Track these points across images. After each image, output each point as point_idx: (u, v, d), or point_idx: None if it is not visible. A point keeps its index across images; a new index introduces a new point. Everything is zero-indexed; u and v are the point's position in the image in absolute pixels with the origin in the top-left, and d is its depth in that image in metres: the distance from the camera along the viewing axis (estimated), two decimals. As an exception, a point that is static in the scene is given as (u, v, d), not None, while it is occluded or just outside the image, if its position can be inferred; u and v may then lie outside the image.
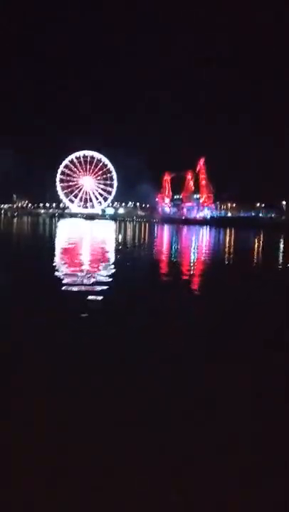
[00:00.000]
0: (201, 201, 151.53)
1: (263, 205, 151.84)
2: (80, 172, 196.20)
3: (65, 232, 61.39)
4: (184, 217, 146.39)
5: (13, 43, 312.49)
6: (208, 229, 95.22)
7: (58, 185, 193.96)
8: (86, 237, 48.05)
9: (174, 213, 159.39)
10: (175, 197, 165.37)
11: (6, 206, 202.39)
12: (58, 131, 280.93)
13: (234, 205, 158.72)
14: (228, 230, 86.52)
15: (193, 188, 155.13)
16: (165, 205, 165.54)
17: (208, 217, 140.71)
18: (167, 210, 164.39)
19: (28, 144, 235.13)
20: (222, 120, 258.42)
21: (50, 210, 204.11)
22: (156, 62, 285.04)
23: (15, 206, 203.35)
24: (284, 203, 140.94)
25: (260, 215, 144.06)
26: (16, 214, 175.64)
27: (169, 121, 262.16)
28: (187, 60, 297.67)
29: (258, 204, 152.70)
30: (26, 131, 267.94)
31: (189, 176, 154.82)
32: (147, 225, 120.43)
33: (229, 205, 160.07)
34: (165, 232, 72.55)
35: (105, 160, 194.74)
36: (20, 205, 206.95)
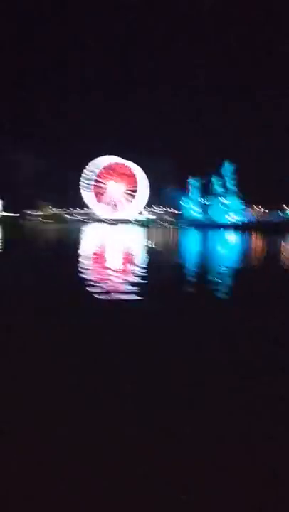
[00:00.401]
0: (229, 205, 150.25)
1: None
2: (108, 177, 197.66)
3: (94, 238, 61.75)
4: (210, 222, 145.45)
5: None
6: (235, 234, 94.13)
7: (86, 191, 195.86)
8: (113, 243, 48.17)
9: (201, 218, 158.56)
10: (202, 201, 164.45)
11: (35, 212, 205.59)
12: (86, 137, 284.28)
13: (262, 208, 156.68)
14: (254, 235, 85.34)
15: (220, 191, 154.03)
16: (192, 209, 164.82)
17: (236, 221, 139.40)
18: (194, 214, 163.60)
19: (56, 150, 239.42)
20: (247, 123, 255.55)
21: (78, 216, 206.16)
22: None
23: (43, 212, 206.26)
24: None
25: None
26: (44, 220, 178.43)
27: (197, 125, 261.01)
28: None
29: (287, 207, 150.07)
30: (52, 137, 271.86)
31: (216, 180, 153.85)
32: (174, 229, 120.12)
33: (257, 208, 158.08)
34: (191, 237, 72.09)
35: (133, 165, 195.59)
36: (48, 211, 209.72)
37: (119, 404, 5.86)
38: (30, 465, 4.26)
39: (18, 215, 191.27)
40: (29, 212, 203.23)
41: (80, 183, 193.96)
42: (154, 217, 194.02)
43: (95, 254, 32.74)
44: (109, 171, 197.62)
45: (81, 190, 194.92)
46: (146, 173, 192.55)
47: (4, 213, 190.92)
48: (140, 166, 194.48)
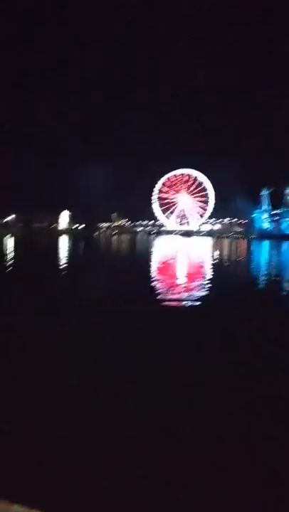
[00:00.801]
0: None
1: None
2: (176, 189, 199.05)
3: (162, 250, 62.21)
4: (282, 234, 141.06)
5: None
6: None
7: (155, 203, 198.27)
8: (183, 255, 48.27)
9: (273, 229, 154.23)
10: (273, 212, 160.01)
11: (105, 225, 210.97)
12: (157, 150, 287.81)
13: None
14: None
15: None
16: (263, 220, 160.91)
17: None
18: (265, 225, 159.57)
19: (126, 164, 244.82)
20: None
21: (148, 228, 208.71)
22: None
23: (113, 225, 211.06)
24: None
25: None
26: (114, 232, 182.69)
27: (268, 135, 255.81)
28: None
29: None
30: (125, 152, 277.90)
31: (288, 191, 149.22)
32: (244, 241, 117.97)
33: None
34: (263, 249, 70.42)
35: (202, 177, 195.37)
36: (118, 223, 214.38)
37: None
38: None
39: (86, 226, 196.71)
40: (100, 225, 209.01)
41: (152, 197, 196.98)
42: (224, 228, 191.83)
43: (168, 267, 33.08)
44: (179, 183, 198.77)
45: (152, 204, 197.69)
46: (217, 185, 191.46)
47: (74, 226, 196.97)
48: (211, 178, 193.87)
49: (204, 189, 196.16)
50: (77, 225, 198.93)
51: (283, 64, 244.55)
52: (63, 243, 76.77)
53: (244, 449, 4.95)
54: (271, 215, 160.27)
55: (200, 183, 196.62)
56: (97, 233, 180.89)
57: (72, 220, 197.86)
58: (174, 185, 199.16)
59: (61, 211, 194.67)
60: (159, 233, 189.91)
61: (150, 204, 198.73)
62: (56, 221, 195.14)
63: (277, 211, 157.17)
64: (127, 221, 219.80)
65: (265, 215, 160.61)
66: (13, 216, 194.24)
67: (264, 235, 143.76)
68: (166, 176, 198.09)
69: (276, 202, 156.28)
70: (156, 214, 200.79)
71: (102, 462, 4.69)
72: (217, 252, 54.63)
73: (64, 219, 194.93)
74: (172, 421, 5.80)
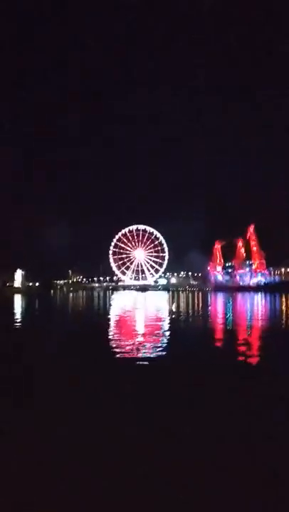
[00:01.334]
0: (253, 267, 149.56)
1: None
2: (132, 245, 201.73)
3: (119, 305, 61.96)
4: (236, 285, 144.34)
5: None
6: (263, 295, 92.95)
7: (111, 259, 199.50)
8: (139, 309, 48.25)
9: (227, 281, 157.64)
10: (227, 264, 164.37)
11: (62, 282, 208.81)
12: (112, 206, 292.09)
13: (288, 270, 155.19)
14: (283, 296, 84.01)
15: (244, 254, 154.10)
16: (217, 273, 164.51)
17: (262, 283, 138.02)
18: (220, 278, 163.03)
19: (81, 221, 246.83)
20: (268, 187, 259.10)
21: (104, 284, 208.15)
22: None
23: (70, 281, 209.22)
24: None
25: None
26: (71, 289, 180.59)
27: (217, 191, 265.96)
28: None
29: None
30: (77, 210, 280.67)
31: (240, 243, 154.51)
32: (200, 293, 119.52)
33: (283, 270, 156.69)
34: (219, 301, 71.54)
35: (156, 232, 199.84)
36: (75, 279, 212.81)
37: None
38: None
39: (43, 283, 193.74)
40: (57, 281, 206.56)
41: (110, 251, 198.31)
42: (179, 282, 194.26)
43: (120, 321, 32.85)
44: (134, 238, 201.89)
45: (110, 259, 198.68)
46: (172, 240, 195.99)
47: (30, 283, 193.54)
48: (166, 233, 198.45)
49: (159, 244, 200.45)
50: (33, 282, 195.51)
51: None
52: (17, 301, 75.16)
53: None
54: (225, 268, 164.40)
55: (155, 238, 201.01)
56: (53, 290, 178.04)
57: (28, 277, 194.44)
58: (130, 240, 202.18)
59: (16, 269, 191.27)
60: (115, 288, 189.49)
61: (107, 260, 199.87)
62: (11, 280, 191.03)
63: (231, 263, 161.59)
64: (84, 277, 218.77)
65: (219, 268, 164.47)
66: None
67: (218, 287, 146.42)
68: (121, 232, 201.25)
69: (229, 254, 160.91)
70: (112, 269, 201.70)
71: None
72: (172, 306, 54.93)
73: (18, 277, 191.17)
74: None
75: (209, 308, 51.06)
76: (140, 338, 20.10)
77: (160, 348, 16.61)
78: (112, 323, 30.73)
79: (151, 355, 14.91)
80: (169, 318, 34.76)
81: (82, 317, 41.10)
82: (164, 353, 15.65)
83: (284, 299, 69.78)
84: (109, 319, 34.30)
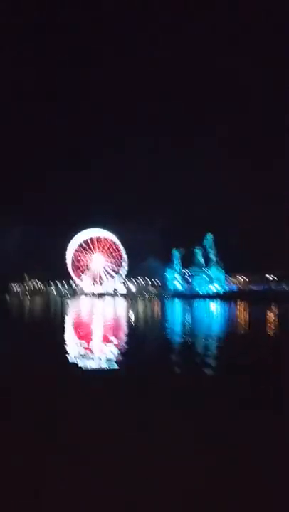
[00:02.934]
0: (210, 275, 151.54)
1: (275, 277, 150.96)
2: (90, 250, 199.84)
3: (77, 311, 60.84)
4: (194, 292, 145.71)
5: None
6: (219, 303, 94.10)
7: (69, 264, 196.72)
8: (97, 315, 47.46)
9: (185, 289, 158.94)
10: (184, 272, 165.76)
11: (17, 286, 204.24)
12: (68, 210, 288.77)
13: (245, 278, 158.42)
14: (239, 304, 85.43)
15: (202, 262, 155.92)
16: (175, 280, 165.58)
17: (219, 291, 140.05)
18: (177, 285, 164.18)
19: (38, 223, 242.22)
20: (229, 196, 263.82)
21: (61, 289, 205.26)
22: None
23: (26, 286, 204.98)
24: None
25: (272, 287, 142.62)
26: (27, 294, 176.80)
27: (179, 197, 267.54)
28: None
29: (269, 276, 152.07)
30: (35, 210, 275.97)
31: (198, 251, 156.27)
32: (158, 300, 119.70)
33: (240, 278, 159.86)
34: (176, 308, 71.64)
35: (115, 238, 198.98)
36: (31, 284, 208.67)
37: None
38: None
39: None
40: (12, 286, 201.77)
41: (66, 257, 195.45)
42: (137, 289, 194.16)
43: (78, 327, 32.05)
44: (93, 243, 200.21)
45: (66, 265, 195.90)
46: (130, 245, 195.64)
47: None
48: (124, 239, 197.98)
49: (118, 249, 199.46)
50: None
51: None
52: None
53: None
54: (182, 275, 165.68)
55: (114, 244, 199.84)
56: (7, 295, 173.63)
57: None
58: (88, 246, 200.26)
59: None
60: (72, 294, 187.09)
61: (64, 265, 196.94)
62: None
63: (188, 270, 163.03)
64: (41, 282, 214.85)
65: (177, 275, 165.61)
66: None
67: (176, 295, 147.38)
68: (80, 236, 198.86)
69: (187, 261, 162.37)
70: (70, 275, 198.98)
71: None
72: (129, 313, 54.41)
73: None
74: None
75: (166, 315, 50.75)
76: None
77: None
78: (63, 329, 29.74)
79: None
80: (122, 326, 34.12)
81: (42, 323, 39.83)
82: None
83: (238, 306, 70.80)
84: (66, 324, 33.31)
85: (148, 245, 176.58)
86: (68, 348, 19.21)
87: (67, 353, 17.46)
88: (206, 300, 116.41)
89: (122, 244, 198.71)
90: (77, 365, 14.90)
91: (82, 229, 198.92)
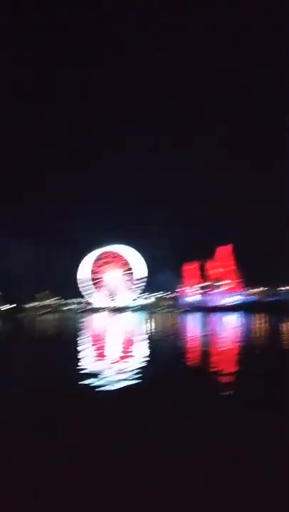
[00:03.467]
0: (228, 287, 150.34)
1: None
2: (105, 266, 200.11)
3: (93, 327, 60.92)
4: (211, 305, 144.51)
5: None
6: (237, 315, 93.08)
7: (84, 281, 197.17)
8: (113, 332, 47.36)
9: (201, 301, 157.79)
10: (202, 285, 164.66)
11: (32, 305, 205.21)
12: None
13: (262, 289, 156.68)
14: (257, 316, 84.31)
15: (220, 274, 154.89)
16: (192, 293, 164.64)
17: (237, 303, 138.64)
18: (194, 298, 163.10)
19: (52, 241, 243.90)
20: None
21: (76, 306, 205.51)
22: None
23: (41, 304, 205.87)
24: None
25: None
26: (41, 312, 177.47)
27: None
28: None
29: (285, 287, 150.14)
30: (51, 230, 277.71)
31: (216, 263, 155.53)
32: (174, 314, 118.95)
33: (257, 289, 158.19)
34: (193, 321, 71.17)
35: (130, 253, 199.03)
36: (46, 302, 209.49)
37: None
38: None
39: (13, 306, 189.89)
40: (26, 305, 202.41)
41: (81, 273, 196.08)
42: (153, 302, 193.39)
43: (95, 349, 31.90)
44: (108, 259, 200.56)
45: (81, 281, 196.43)
46: (146, 260, 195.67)
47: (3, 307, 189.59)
48: (136, 250, 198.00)
49: (134, 264, 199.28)
50: (7, 305, 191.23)
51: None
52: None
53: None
54: (199, 288, 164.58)
55: (129, 258, 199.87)
56: (23, 313, 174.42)
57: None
58: (103, 261, 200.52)
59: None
60: (88, 311, 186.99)
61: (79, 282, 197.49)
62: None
63: (204, 284, 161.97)
64: (56, 300, 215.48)
65: (194, 288, 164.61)
66: None
67: (193, 308, 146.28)
68: (95, 253, 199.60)
69: (202, 275, 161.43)
70: (86, 292, 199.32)
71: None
72: (147, 327, 54.22)
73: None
74: None
75: (182, 329, 50.41)
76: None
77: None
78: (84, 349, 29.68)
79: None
80: (142, 341, 33.93)
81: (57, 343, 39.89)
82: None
83: (258, 319, 69.77)
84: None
85: (164, 260, 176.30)
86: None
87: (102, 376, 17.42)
88: (223, 312, 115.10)
89: (140, 257, 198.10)
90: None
91: (100, 245, 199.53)
